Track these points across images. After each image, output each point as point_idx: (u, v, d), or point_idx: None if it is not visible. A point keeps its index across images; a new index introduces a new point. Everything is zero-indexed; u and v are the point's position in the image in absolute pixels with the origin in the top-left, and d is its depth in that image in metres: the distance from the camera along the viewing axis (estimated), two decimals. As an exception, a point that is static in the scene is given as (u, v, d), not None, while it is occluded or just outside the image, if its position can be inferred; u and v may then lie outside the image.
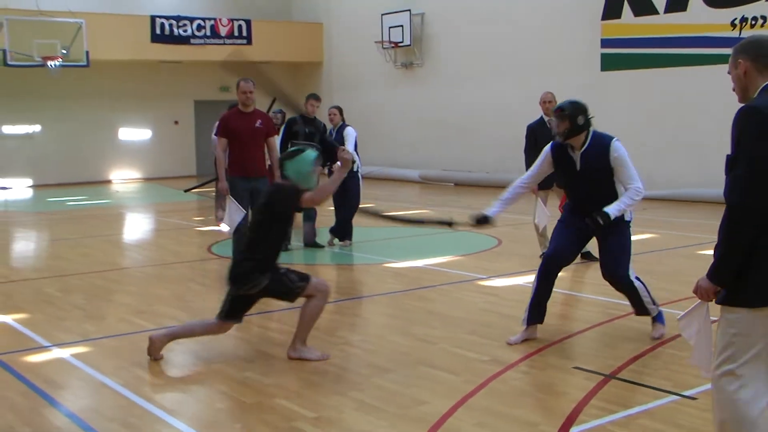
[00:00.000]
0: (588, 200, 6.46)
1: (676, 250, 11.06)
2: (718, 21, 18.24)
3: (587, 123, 6.41)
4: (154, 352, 6.30)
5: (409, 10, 24.92)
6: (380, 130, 25.43)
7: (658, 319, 6.65)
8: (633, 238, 6.62)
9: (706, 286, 3.51)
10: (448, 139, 24.39)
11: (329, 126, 11.85)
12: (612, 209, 6.26)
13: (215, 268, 10.41)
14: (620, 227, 6.47)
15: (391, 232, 13.50)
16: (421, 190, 22.59)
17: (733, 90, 3.63)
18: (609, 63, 20.35)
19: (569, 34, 20.95)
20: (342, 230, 11.83)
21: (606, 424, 4.82)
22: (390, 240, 12.74)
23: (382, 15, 25.50)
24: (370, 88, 26.88)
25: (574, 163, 6.48)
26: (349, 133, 11.70)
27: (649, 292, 6.58)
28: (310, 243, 11.66)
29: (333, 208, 11.84)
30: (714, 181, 18.13)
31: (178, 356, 6.47)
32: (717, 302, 3.53)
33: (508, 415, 5.00)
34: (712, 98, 18.29)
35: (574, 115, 6.32)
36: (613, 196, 6.38)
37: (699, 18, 18.58)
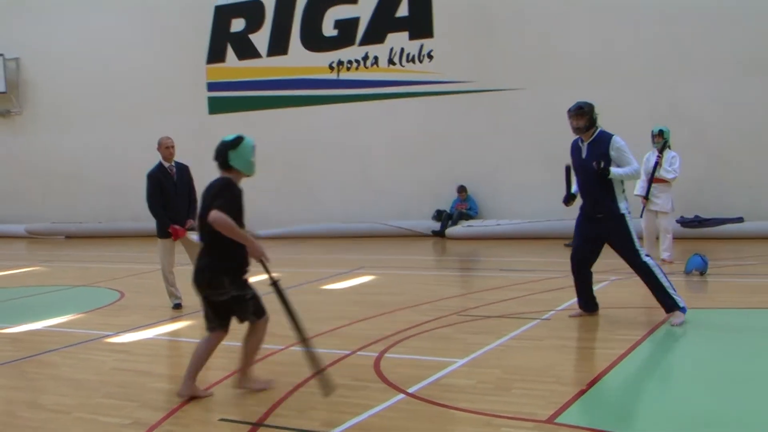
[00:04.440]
0: (589, 184, 8.01)
1: (301, 287, 11.34)
2: (317, 64, 19.20)
3: (596, 120, 8.02)
4: (198, 394, 6.24)
5: (2, 55, 23.56)
6: (-22, 183, 23.65)
7: (682, 310, 7.89)
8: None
9: None
10: (56, 189, 23.27)
11: None
12: (614, 169, 7.84)
13: None
14: (616, 221, 7.96)
15: None
16: (28, 246, 21.27)
17: None
18: (216, 106, 20.63)
19: (175, 78, 20.95)
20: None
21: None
22: (-1, 303, 11.82)
23: (-30, 61, 23.86)
24: (-37, 139, 24.90)
25: (581, 151, 8.09)
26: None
27: (665, 274, 7.91)
28: None
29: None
30: (324, 217, 19.04)
31: None
32: None
33: (159, 480, 4.79)
34: (316, 137, 19.21)
35: (591, 112, 7.94)
36: (609, 184, 7.92)
37: (299, 61, 19.43)
